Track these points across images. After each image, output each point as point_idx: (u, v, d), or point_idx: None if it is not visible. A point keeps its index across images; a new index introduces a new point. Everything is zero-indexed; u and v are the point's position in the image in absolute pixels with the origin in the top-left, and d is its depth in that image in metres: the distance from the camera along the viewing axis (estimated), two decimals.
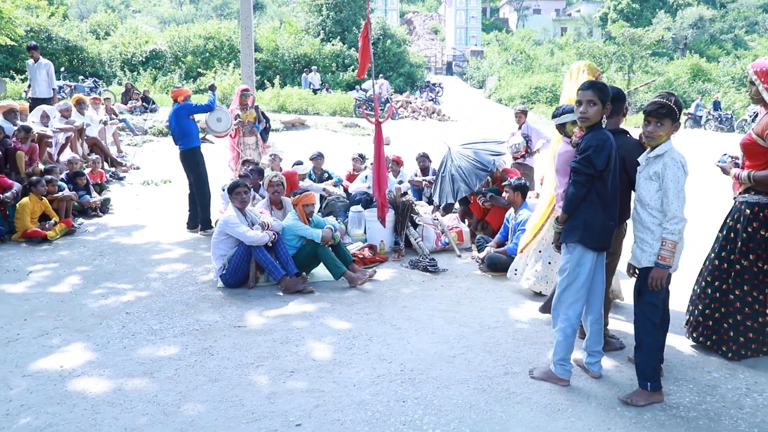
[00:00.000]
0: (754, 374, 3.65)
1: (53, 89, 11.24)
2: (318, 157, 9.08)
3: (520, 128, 8.33)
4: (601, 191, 3.32)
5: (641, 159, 3.32)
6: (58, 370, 3.73)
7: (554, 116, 4.21)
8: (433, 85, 29.81)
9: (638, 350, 3.34)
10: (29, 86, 11.56)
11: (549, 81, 30.96)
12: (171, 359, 3.89)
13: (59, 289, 5.29)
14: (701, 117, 22.46)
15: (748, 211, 3.71)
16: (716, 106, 23.32)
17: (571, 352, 3.52)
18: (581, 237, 3.37)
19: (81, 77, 21.58)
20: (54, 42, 24.89)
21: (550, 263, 4.94)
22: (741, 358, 3.81)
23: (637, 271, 3.36)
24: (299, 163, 8.89)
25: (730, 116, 22.19)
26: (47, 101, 10.85)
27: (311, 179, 8.70)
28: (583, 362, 3.68)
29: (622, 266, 4.05)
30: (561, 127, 4.16)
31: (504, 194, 6.04)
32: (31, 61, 11.10)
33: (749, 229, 3.71)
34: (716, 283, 3.87)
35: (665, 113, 3.18)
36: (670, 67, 33.85)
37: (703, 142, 17.10)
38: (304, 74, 26.41)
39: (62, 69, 22.76)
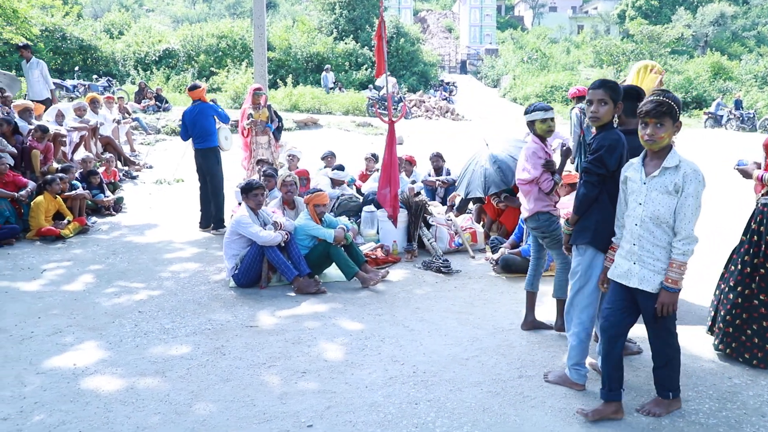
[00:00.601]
0: None
1: (51, 90, 10.77)
2: (329, 157, 9.05)
3: None
4: (613, 192, 3.25)
5: (649, 169, 2.99)
6: (72, 368, 3.74)
7: (526, 113, 4.17)
8: (447, 84, 29.72)
9: (664, 368, 3.17)
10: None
11: (565, 80, 30.63)
12: (183, 358, 3.88)
13: (73, 287, 5.31)
14: (722, 116, 22.13)
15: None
16: (738, 105, 22.93)
17: (586, 356, 3.47)
18: (592, 238, 3.32)
19: (95, 76, 21.81)
20: (68, 41, 25.16)
21: None
22: (767, 365, 3.72)
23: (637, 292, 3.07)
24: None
25: (752, 115, 21.80)
26: (45, 103, 10.54)
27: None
28: (599, 366, 3.61)
29: None
30: (530, 125, 4.14)
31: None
32: (25, 61, 10.78)
33: (752, 226, 3.67)
34: (739, 288, 3.79)
35: (665, 111, 2.86)
36: (690, 66, 33.33)
37: (724, 142, 16.86)
38: (324, 73, 26.38)
39: (76, 68, 23.02)
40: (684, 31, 36.25)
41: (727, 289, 3.88)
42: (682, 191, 2.85)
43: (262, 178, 6.93)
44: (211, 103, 7.24)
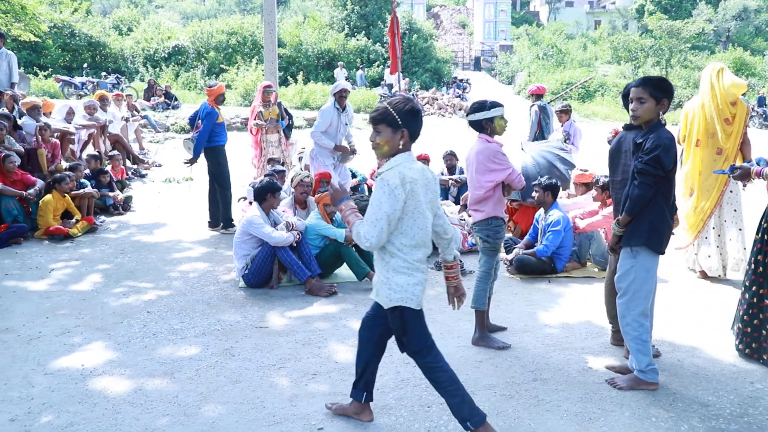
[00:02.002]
0: None
1: (13, 83, 9.82)
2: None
3: (562, 126, 8.33)
4: (667, 192, 3.22)
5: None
6: (80, 368, 3.71)
7: (481, 109, 3.97)
8: (461, 81, 29.49)
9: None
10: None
11: (581, 76, 30.29)
12: (192, 359, 3.85)
13: (81, 287, 5.29)
14: None
15: None
16: (761, 102, 22.46)
17: (651, 354, 3.41)
18: (648, 240, 3.26)
19: (104, 73, 21.90)
20: (77, 38, 25.31)
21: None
22: None
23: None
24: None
25: None
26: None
27: None
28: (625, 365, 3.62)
29: None
30: (487, 123, 3.96)
31: (534, 194, 5.87)
32: None
33: None
34: (753, 288, 3.74)
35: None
36: (712, 61, 32.91)
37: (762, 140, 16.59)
38: (359, 72, 26.21)
39: (85, 65, 23.12)
40: (705, 26, 35.59)
41: (743, 288, 3.84)
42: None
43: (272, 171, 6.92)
44: (211, 105, 7.09)
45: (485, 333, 4.08)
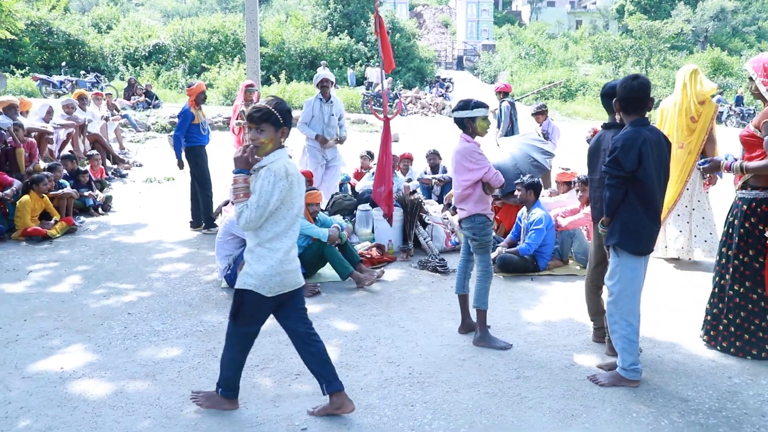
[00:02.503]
0: None
1: None
2: None
3: (540, 125, 8.43)
4: (641, 192, 3.22)
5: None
6: (59, 371, 3.65)
7: (464, 108, 4.01)
8: (444, 80, 29.56)
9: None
10: None
11: (563, 76, 30.55)
12: (174, 361, 3.81)
13: (60, 288, 5.21)
14: (722, 112, 22.11)
15: (745, 207, 3.71)
16: (738, 101, 22.86)
17: (638, 354, 3.45)
18: (620, 240, 3.31)
19: (83, 72, 21.57)
20: (55, 36, 24.91)
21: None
22: (745, 354, 3.78)
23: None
24: None
25: (752, 112, 21.72)
26: None
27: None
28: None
29: None
30: (469, 122, 3.99)
31: (516, 192, 5.91)
32: None
33: (746, 225, 3.71)
34: (716, 278, 3.92)
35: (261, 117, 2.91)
36: (690, 61, 33.39)
37: (725, 138, 16.84)
38: (350, 71, 26.08)
39: (63, 64, 22.78)
40: (684, 26, 36.12)
41: (712, 283, 3.99)
42: None
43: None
44: (190, 105, 7.03)
45: (487, 333, 4.06)
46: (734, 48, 39.78)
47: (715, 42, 40.78)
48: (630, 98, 3.29)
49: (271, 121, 2.90)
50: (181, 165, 7.12)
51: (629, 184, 3.24)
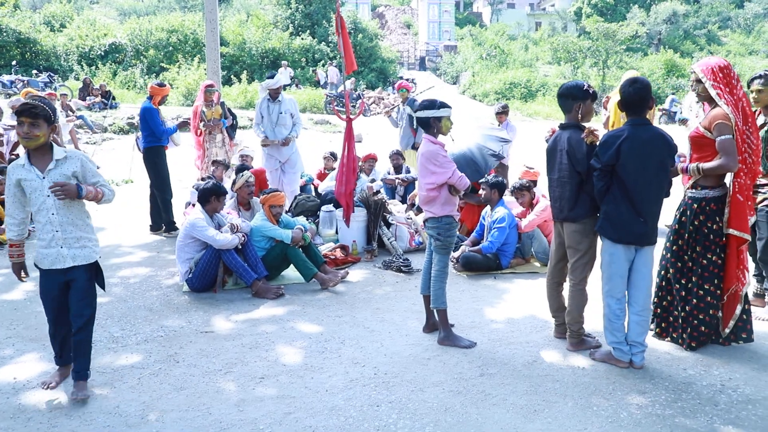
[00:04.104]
0: (728, 371, 3.66)
1: None
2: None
3: (499, 125, 8.49)
4: (621, 185, 3.50)
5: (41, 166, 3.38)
6: (11, 382, 3.54)
7: (430, 108, 3.99)
8: (406, 80, 29.65)
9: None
10: None
11: (524, 76, 31.05)
12: (134, 368, 3.73)
13: (12, 296, 5.04)
14: (675, 113, 22.86)
15: (695, 206, 3.86)
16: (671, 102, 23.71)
17: (622, 336, 3.66)
18: (600, 227, 3.61)
19: (35, 71, 20.86)
20: (4, 34, 23.98)
21: None
22: (691, 349, 3.92)
23: None
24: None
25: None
26: None
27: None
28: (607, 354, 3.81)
29: None
30: (434, 122, 3.98)
31: (480, 191, 5.98)
32: None
33: (696, 222, 3.86)
34: (662, 272, 4.07)
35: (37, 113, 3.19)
36: (645, 63, 34.22)
37: (678, 137, 17.37)
38: (320, 70, 25.84)
39: (14, 63, 21.98)
40: (638, 28, 37.05)
41: (659, 278, 4.13)
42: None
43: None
44: (150, 104, 6.93)
45: (450, 331, 4.09)
46: (686, 50, 41.10)
47: (668, 44, 42.08)
48: (626, 102, 3.58)
49: (45, 118, 3.20)
50: (174, 140, 7.12)
51: (613, 178, 3.51)
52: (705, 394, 3.37)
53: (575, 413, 3.17)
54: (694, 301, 3.89)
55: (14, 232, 3.45)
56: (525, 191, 6.00)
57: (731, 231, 3.79)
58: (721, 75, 3.72)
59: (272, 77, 7.26)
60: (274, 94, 7.23)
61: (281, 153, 7.27)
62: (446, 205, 4.01)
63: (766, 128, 4.29)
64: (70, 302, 3.37)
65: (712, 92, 3.74)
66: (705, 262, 3.86)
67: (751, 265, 4.63)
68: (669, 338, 4.05)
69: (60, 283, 3.38)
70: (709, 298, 3.87)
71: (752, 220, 3.99)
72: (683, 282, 3.94)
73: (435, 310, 4.12)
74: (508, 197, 6.48)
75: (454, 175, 3.94)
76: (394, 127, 9.31)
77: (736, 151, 3.64)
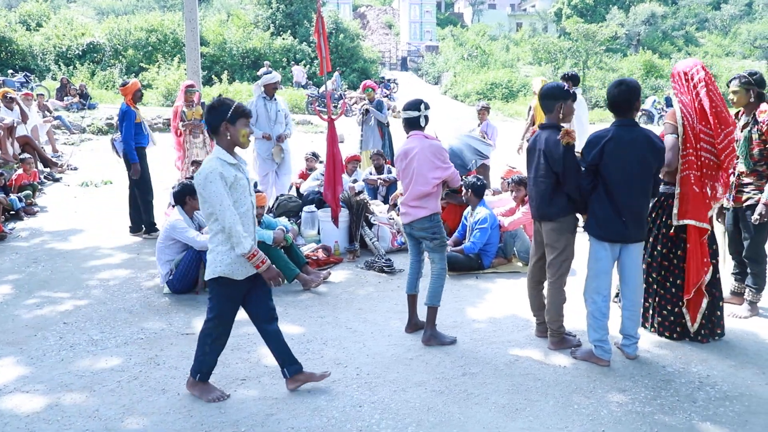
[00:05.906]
0: (706, 368, 3.72)
1: None
2: None
3: (480, 125, 8.51)
4: (605, 184, 3.58)
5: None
6: None
7: (415, 108, 4.08)
8: (388, 81, 29.66)
9: None
10: None
11: (505, 77, 31.22)
12: (113, 371, 3.68)
13: None
14: (654, 115, 23.20)
15: (657, 202, 4.02)
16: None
17: (606, 334, 3.71)
18: (585, 224, 3.72)
19: (10, 71, 20.40)
20: None
21: None
22: (660, 334, 4.12)
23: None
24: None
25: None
26: None
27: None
28: (619, 344, 3.89)
29: None
30: (425, 120, 4.12)
31: (463, 192, 5.99)
32: None
33: (652, 214, 4.04)
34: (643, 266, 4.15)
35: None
36: (624, 63, 34.64)
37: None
38: (337, 73, 25.75)
39: None
40: (618, 29, 37.55)
41: None
42: None
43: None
44: (128, 104, 6.81)
45: (435, 331, 4.10)
46: (665, 51, 41.72)
47: (647, 45, 42.65)
48: (612, 103, 3.66)
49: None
50: (136, 171, 6.77)
51: (599, 177, 3.60)
52: (684, 392, 3.43)
53: (556, 411, 3.21)
54: (662, 292, 4.08)
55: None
56: (522, 186, 5.98)
57: (688, 221, 3.87)
58: (678, 77, 3.92)
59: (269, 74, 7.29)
60: (270, 92, 7.19)
61: (277, 155, 7.28)
62: (439, 201, 4.10)
63: (748, 128, 4.34)
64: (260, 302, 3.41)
65: (671, 92, 3.95)
66: (672, 255, 4.03)
67: (730, 264, 4.73)
68: (642, 327, 4.15)
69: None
70: (674, 289, 4.03)
71: (712, 212, 3.98)
72: (654, 275, 4.10)
73: (427, 308, 4.11)
74: (490, 197, 6.52)
75: (454, 172, 4.07)
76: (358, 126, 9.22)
77: (675, 147, 3.79)
